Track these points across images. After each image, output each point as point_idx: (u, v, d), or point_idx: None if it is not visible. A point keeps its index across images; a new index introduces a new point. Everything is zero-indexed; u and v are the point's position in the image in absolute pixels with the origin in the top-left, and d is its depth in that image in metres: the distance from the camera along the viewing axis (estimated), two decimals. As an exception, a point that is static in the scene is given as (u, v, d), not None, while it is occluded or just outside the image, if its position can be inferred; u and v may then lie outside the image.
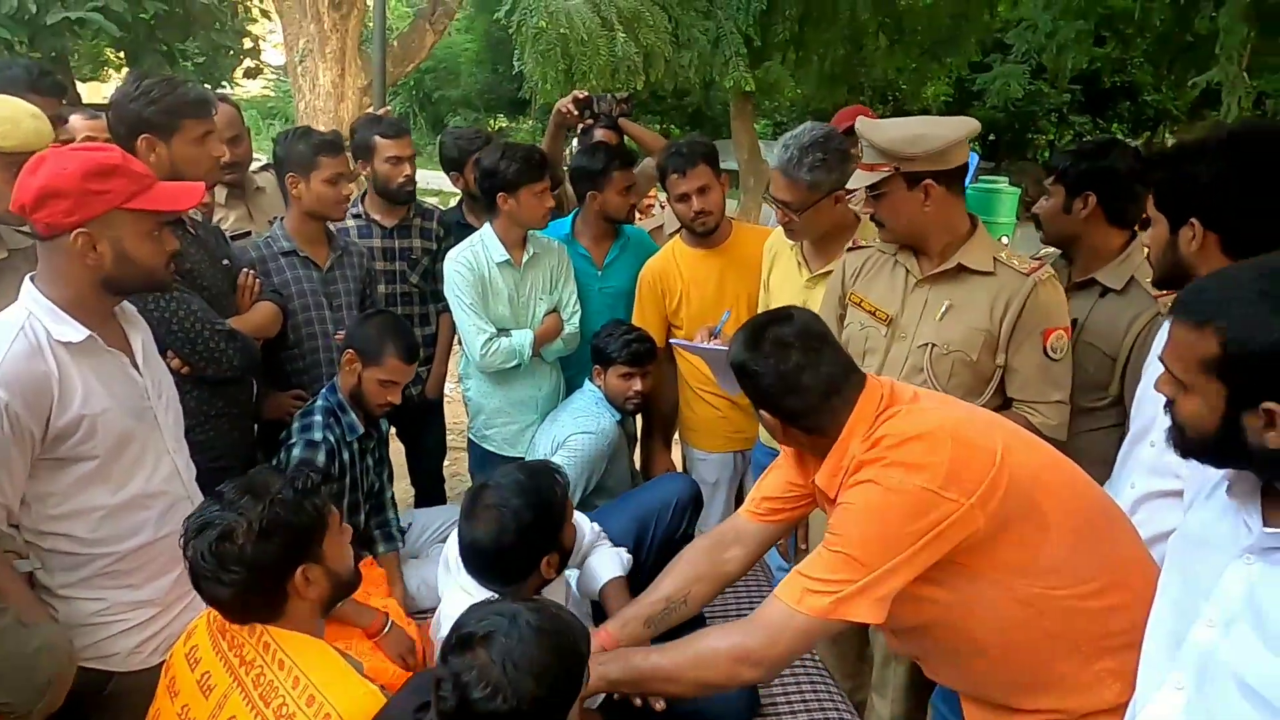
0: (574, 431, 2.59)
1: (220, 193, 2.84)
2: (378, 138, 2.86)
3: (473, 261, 2.66)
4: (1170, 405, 1.10)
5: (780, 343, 1.45)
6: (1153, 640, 1.18)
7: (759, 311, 2.59)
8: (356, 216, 2.94)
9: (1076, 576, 1.35)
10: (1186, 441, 1.08)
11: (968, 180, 3.56)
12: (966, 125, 1.92)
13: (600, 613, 1.94)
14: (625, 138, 3.48)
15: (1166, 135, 14.59)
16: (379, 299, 2.87)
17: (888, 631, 1.58)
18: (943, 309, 1.94)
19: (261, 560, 1.38)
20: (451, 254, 2.71)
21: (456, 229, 2.80)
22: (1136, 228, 2.10)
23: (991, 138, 15.33)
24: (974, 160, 3.95)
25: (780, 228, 2.56)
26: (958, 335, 1.92)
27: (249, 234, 2.82)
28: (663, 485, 2.29)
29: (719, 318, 2.68)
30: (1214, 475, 1.13)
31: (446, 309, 2.82)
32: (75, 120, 2.85)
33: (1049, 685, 1.39)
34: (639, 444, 3.08)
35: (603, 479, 2.66)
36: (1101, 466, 2.00)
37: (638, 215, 5.24)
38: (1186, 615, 1.11)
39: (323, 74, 7.42)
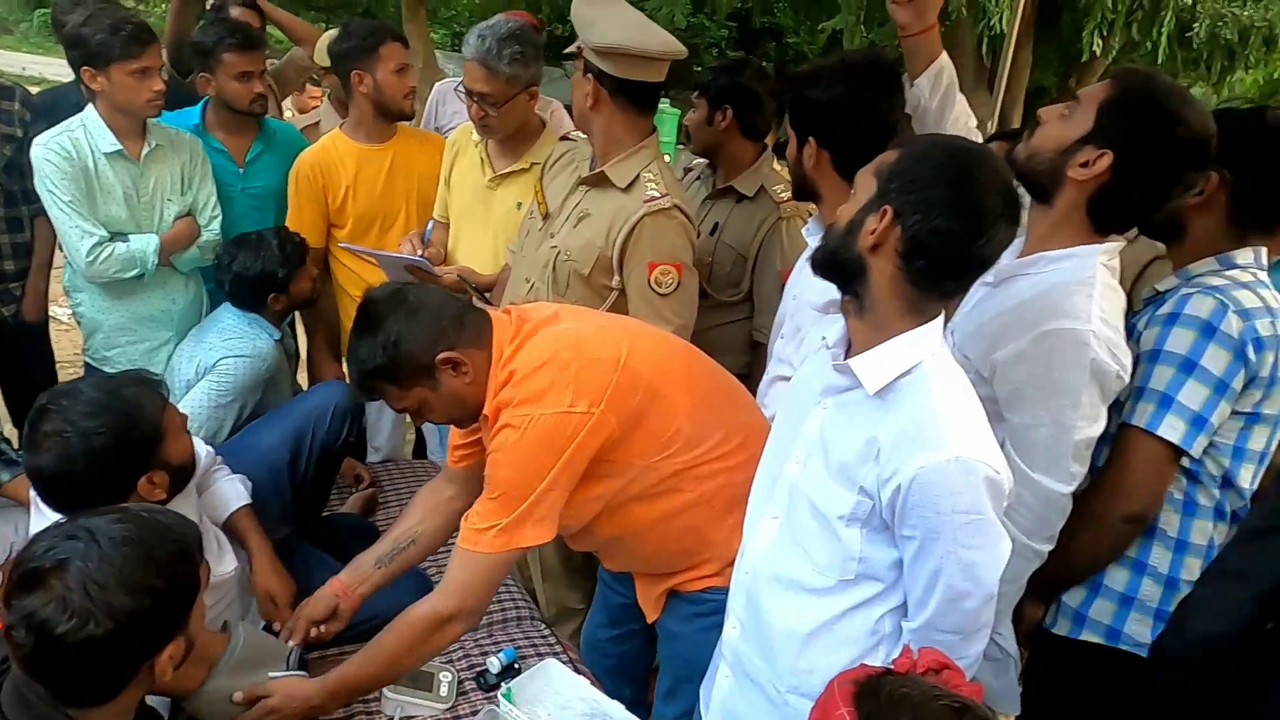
0: (225, 355, 2.30)
1: None
2: None
3: (70, 150, 2.21)
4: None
5: (373, 321, 1.45)
6: (758, 481, 1.38)
7: (436, 207, 2.53)
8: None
9: (704, 443, 1.51)
10: (820, 255, 1.22)
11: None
12: (644, 41, 1.79)
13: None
14: (267, 22, 3.10)
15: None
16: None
17: (564, 537, 1.66)
18: (580, 216, 1.94)
19: None
20: (42, 139, 2.24)
21: (71, 112, 2.29)
22: (768, 140, 2.35)
23: (663, 66, 16.21)
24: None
25: (464, 124, 2.47)
26: (577, 246, 1.91)
27: None
28: (318, 393, 2.15)
29: (388, 217, 2.56)
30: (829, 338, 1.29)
31: (43, 212, 2.35)
32: None
33: (702, 546, 1.57)
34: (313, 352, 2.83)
35: (262, 403, 2.43)
36: (738, 353, 2.27)
37: (295, 112, 4.74)
38: (781, 457, 1.30)
39: None
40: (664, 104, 4.45)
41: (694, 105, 2.34)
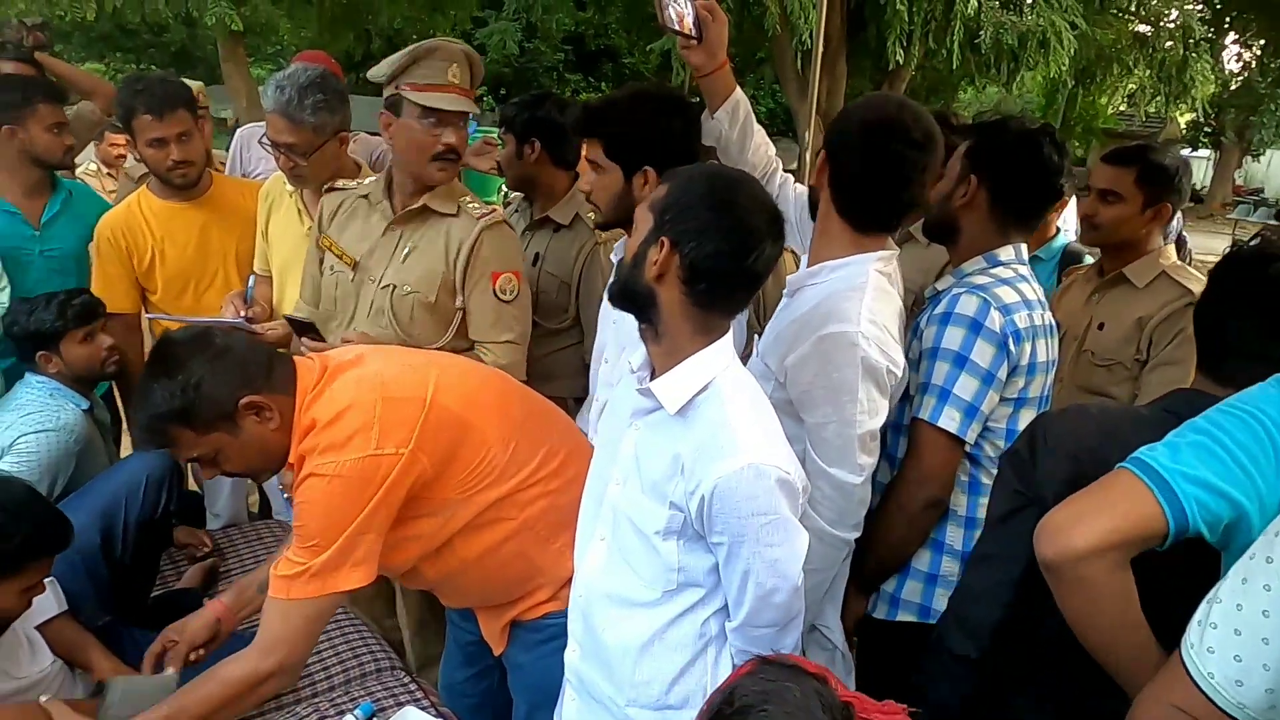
0: (24, 432, 2.13)
1: None
2: None
3: None
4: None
5: (170, 363, 1.39)
6: (585, 504, 1.42)
7: (256, 261, 2.46)
8: None
9: (523, 470, 1.53)
10: (614, 289, 1.28)
11: (472, 132, 3.72)
12: (400, 54, 1.89)
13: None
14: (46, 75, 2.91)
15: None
16: None
17: (395, 578, 1.65)
18: (406, 250, 1.97)
19: None
20: None
21: None
22: (579, 169, 2.42)
23: (502, 91, 16.18)
24: (473, 128, 4.13)
25: (275, 174, 2.40)
26: (416, 276, 1.96)
27: None
28: (127, 465, 2.02)
29: (203, 275, 2.45)
30: (633, 363, 1.35)
31: None
32: None
33: (533, 572, 1.58)
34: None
35: (75, 478, 2.26)
36: (573, 377, 2.32)
37: (103, 168, 4.45)
38: (604, 479, 1.35)
39: None
40: (494, 132, 4.49)
41: (501, 141, 2.38)
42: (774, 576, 1.20)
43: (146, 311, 2.53)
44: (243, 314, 2.26)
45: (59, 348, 2.24)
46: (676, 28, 1.58)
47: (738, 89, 1.71)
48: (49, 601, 1.71)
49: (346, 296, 2.04)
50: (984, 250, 1.62)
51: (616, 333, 1.83)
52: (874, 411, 1.43)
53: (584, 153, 1.80)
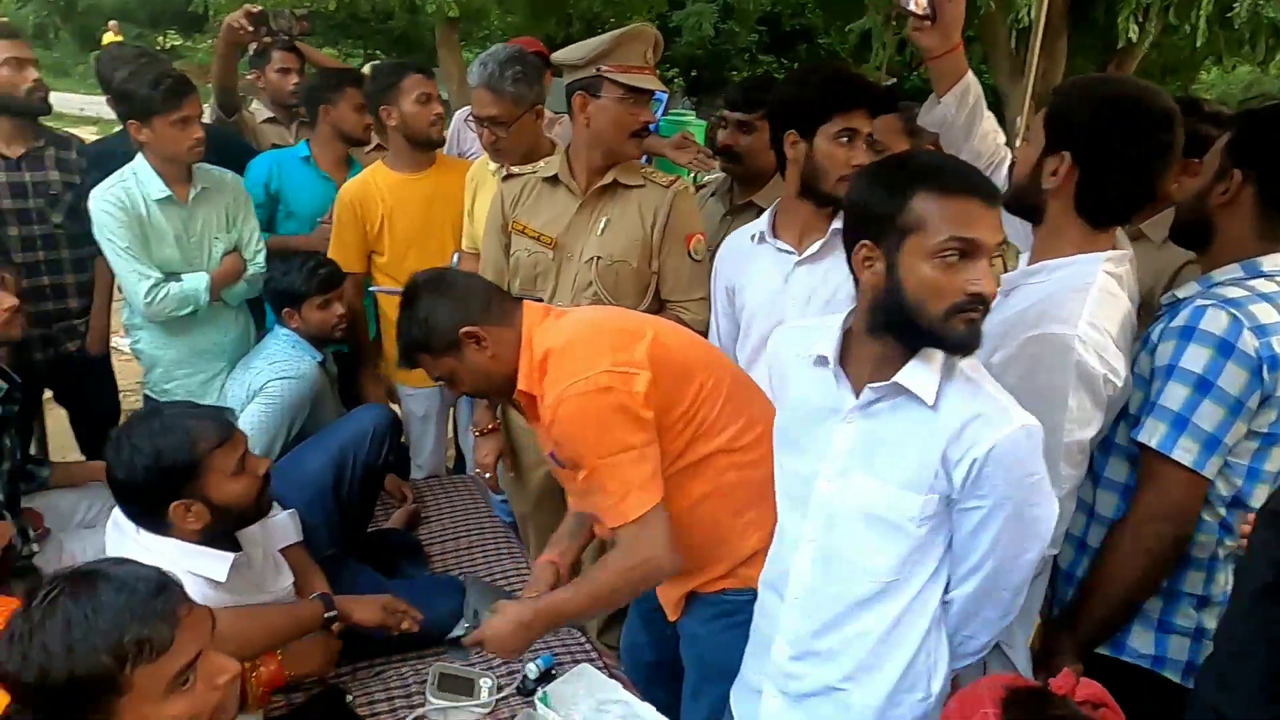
0: (272, 378, 2.45)
1: None
2: None
3: (124, 199, 2.37)
4: None
5: (411, 300, 1.59)
6: (783, 512, 1.41)
7: (463, 240, 2.64)
8: (-33, 146, 2.49)
9: (724, 433, 1.56)
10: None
11: (660, 113, 3.80)
12: (602, 38, 1.98)
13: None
14: (306, 63, 3.26)
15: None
16: (11, 243, 2.48)
17: (599, 525, 1.70)
18: (603, 224, 2.08)
19: None
20: (96, 192, 2.40)
21: (122, 161, 2.47)
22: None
23: (694, 74, 16.22)
24: (663, 95, 4.19)
25: (480, 158, 2.58)
26: (618, 245, 2.06)
27: None
28: (357, 417, 2.28)
29: (426, 242, 2.66)
30: (792, 361, 1.36)
31: (102, 252, 2.51)
32: None
33: (717, 543, 1.61)
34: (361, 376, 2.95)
35: (306, 423, 2.56)
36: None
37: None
38: (808, 480, 1.32)
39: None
40: (690, 115, 4.51)
41: (752, 126, 2.35)
42: (1031, 537, 1.23)
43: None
44: None
45: (301, 308, 2.54)
46: (911, 7, 1.55)
47: (969, 72, 1.64)
48: (290, 530, 1.95)
49: (547, 274, 2.15)
50: (1243, 257, 1.43)
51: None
52: (1085, 422, 1.34)
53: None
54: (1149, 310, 1.57)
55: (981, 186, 1.16)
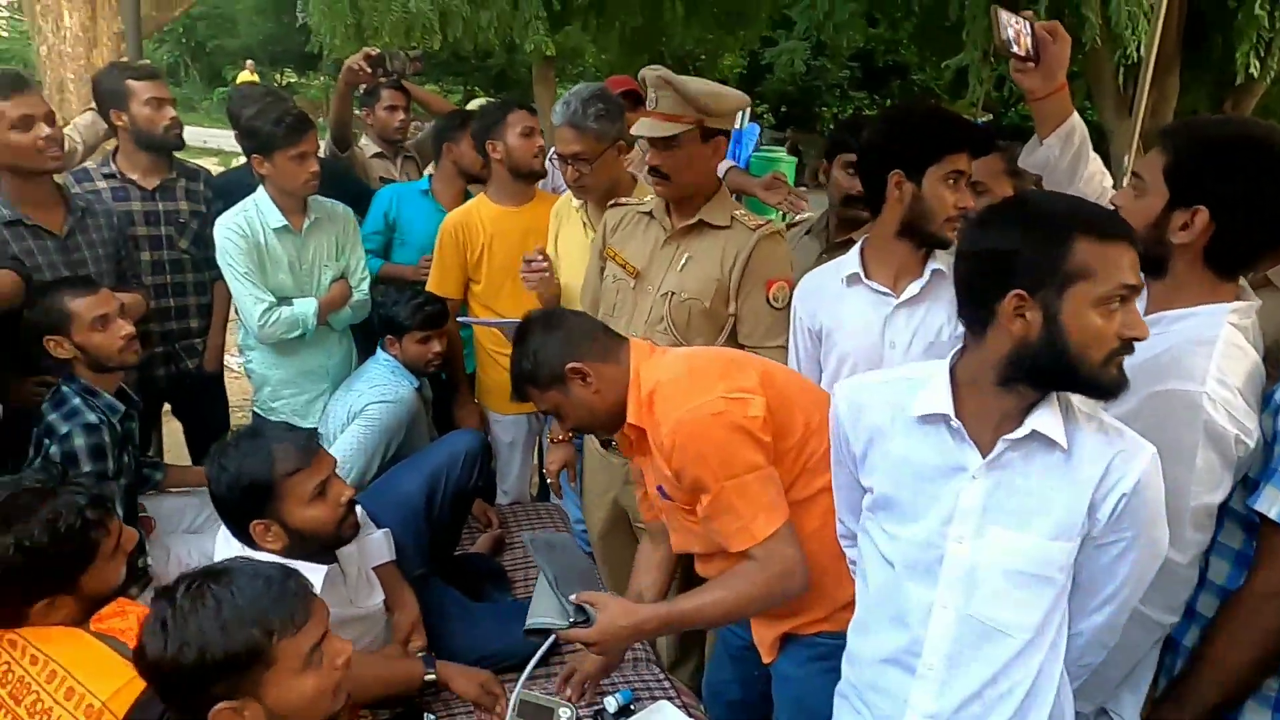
0: (371, 401, 2.56)
1: None
2: (130, 81, 2.64)
3: (246, 228, 2.53)
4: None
5: (523, 335, 1.64)
6: (907, 578, 1.28)
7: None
8: (109, 177, 2.70)
9: (825, 476, 1.52)
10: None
11: (750, 150, 3.80)
12: (740, 96, 2.07)
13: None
14: (412, 100, 3.42)
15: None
16: (142, 267, 2.67)
17: (700, 558, 1.70)
18: (684, 260, 2.09)
19: None
20: (223, 219, 2.57)
21: (245, 192, 2.65)
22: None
23: (783, 110, 16.26)
24: (755, 131, 4.19)
25: (564, 194, 2.65)
26: (694, 284, 2.07)
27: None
28: (449, 441, 2.35)
29: (520, 275, 2.74)
30: (886, 421, 1.29)
31: (221, 276, 2.67)
32: None
33: (818, 584, 1.56)
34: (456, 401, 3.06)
35: (402, 446, 2.65)
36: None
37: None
38: (932, 545, 1.24)
39: (69, 15, 6.55)
40: (780, 151, 4.51)
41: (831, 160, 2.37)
42: (1156, 558, 1.23)
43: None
44: None
45: (402, 339, 2.64)
46: (1015, 49, 1.51)
47: (1074, 113, 1.59)
48: (384, 548, 2.02)
49: (626, 303, 2.18)
50: None
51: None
52: (1214, 485, 1.27)
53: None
54: (1273, 362, 1.48)
55: (1129, 231, 1.14)
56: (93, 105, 2.99)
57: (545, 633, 1.66)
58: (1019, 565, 1.21)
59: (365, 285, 2.76)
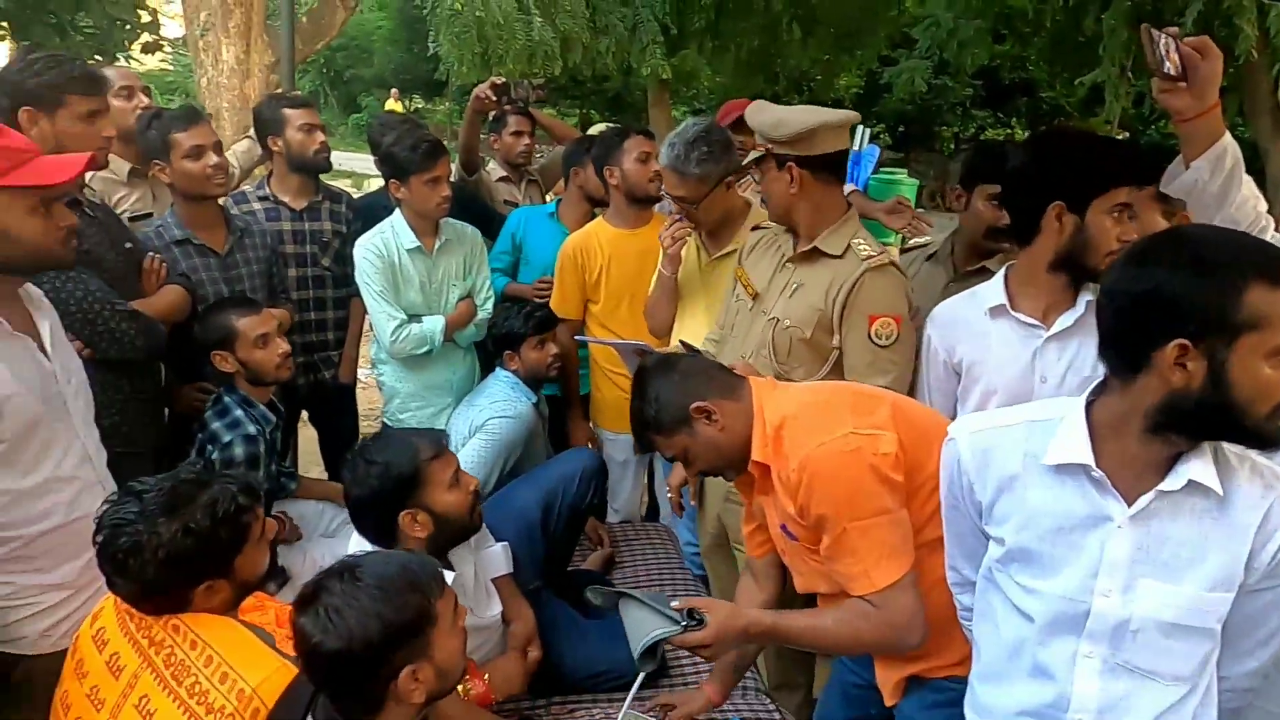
0: (492, 416, 2.66)
1: (122, 168, 2.75)
2: (285, 110, 2.87)
3: (382, 249, 2.69)
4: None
5: (641, 382, 1.65)
6: (1046, 631, 1.22)
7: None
8: (263, 199, 2.93)
9: None
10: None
11: (869, 172, 3.74)
12: (828, 115, 1.97)
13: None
14: (536, 126, 3.55)
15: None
16: (289, 283, 2.87)
17: (823, 598, 1.66)
18: (795, 287, 2.05)
19: (161, 580, 1.42)
20: (362, 240, 2.73)
21: (383, 214, 2.83)
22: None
23: (901, 130, 15.87)
24: (875, 152, 4.11)
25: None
26: (798, 312, 2.02)
27: (150, 215, 2.77)
28: (567, 459, 2.41)
29: (638, 293, 2.78)
30: (1018, 469, 1.22)
31: (358, 293, 2.84)
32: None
33: (950, 629, 1.51)
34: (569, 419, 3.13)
35: (519, 461, 2.74)
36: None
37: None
38: (1076, 598, 1.19)
39: (226, 49, 7.17)
40: (901, 173, 4.40)
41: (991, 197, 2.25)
42: None
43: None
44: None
45: (520, 349, 2.73)
46: (1167, 69, 1.43)
47: (1226, 134, 1.48)
48: (501, 561, 2.09)
49: (742, 324, 2.18)
50: None
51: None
52: None
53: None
54: None
55: None
56: (249, 133, 3.26)
57: (655, 656, 1.63)
58: (1175, 618, 1.15)
59: (489, 304, 2.87)
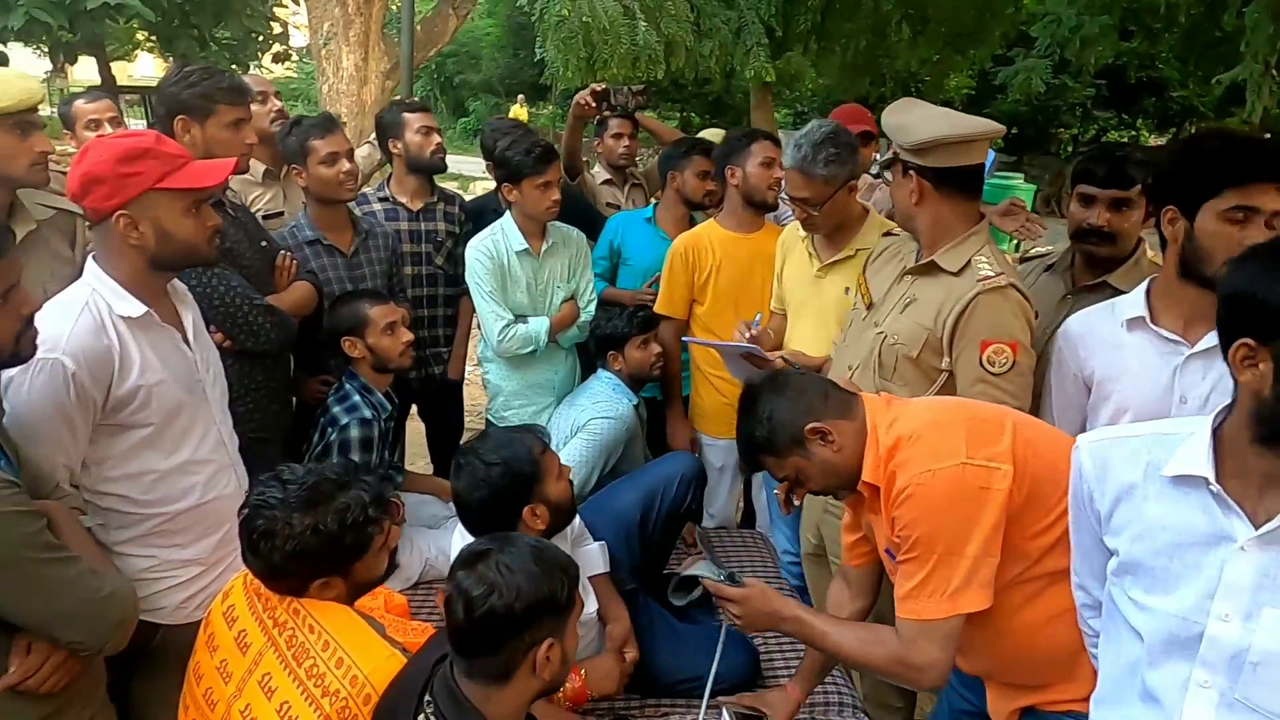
0: (594, 416, 2.69)
1: (257, 169, 2.90)
2: (405, 114, 2.99)
3: (493, 250, 2.76)
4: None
5: (750, 401, 1.60)
6: (1147, 651, 1.18)
7: (772, 300, 2.71)
8: (384, 199, 3.05)
9: None
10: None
11: (984, 176, 3.59)
12: (956, 129, 1.83)
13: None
14: (639, 130, 3.57)
15: (1192, 131, 14.43)
16: (404, 280, 2.98)
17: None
18: (908, 302, 1.96)
19: (285, 567, 1.50)
20: (473, 242, 2.81)
21: (492, 216, 2.91)
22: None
23: (1014, 132, 15.19)
24: (990, 156, 3.97)
25: (791, 223, 2.65)
26: (906, 329, 1.93)
27: (281, 214, 2.93)
28: (668, 462, 2.41)
29: (744, 298, 2.78)
30: (1139, 479, 1.18)
31: (467, 292, 2.92)
32: (79, 104, 2.99)
33: (1073, 663, 1.45)
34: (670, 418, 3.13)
35: (619, 461, 2.76)
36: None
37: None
38: (1191, 619, 1.13)
39: (346, 57, 7.53)
40: (1017, 178, 4.23)
41: (1130, 203, 2.06)
42: None
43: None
44: (749, 335, 2.48)
45: (624, 349, 2.76)
46: None
47: None
48: (599, 560, 2.11)
49: (854, 332, 2.13)
50: None
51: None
52: None
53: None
54: None
55: None
56: (370, 139, 3.41)
57: (692, 588, 2.02)
58: None
59: (592, 307, 2.91)
